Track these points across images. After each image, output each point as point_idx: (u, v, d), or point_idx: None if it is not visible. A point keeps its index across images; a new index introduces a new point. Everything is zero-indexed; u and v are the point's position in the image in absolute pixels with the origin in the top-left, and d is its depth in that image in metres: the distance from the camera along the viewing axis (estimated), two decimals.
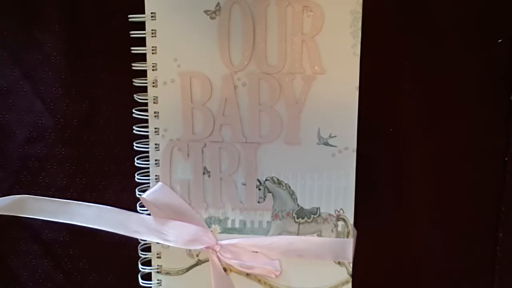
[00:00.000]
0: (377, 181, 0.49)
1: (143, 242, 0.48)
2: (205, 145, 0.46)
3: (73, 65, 0.49)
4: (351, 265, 0.46)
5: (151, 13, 0.44)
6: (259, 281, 0.48)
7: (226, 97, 0.45)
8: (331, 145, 0.45)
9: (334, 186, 0.45)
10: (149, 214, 0.47)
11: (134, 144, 0.47)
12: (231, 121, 0.45)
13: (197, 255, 0.48)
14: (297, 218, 0.46)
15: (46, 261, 0.53)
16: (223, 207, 0.47)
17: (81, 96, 0.50)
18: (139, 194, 0.47)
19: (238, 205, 0.47)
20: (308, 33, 0.43)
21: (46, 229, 0.52)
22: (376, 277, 0.51)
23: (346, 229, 0.46)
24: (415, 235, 0.50)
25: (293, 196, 0.46)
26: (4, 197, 0.49)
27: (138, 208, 0.48)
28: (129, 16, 0.45)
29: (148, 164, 0.47)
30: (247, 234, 0.47)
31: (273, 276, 0.46)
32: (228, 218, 0.47)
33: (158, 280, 0.49)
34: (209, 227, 0.47)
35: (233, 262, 0.46)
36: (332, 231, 0.46)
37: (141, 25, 0.45)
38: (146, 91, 0.46)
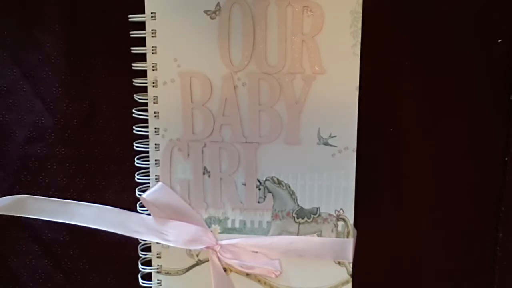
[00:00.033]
0: (377, 181, 0.49)
1: (143, 242, 0.48)
2: (205, 145, 0.46)
3: (73, 65, 0.49)
4: (351, 265, 0.46)
5: (151, 13, 0.44)
6: (259, 281, 0.48)
7: (226, 97, 0.45)
8: (331, 145, 0.45)
9: (334, 186, 0.45)
10: (149, 214, 0.47)
11: (134, 144, 0.47)
12: (231, 121, 0.45)
13: (197, 255, 0.48)
14: (297, 218, 0.46)
15: (46, 261, 0.53)
16: (223, 207, 0.47)
17: (81, 96, 0.50)
18: (139, 194, 0.47)
19: (238, 205, 0.47)
20: (308, 33, 0.43)
21: (46, 229, 0.52)
22: (376, 277, 0.51)
23: (346, 229, 0.46)
24: (415, 235, 0.50)
25: (293, 196, 0.46)
26: (4, 197, 0.49)
27: (138, 208, 0.48)
28: (129, 16, 0.45)
29: (148, 164, 0.47)
30: (247, 234, 0.47)
31: (273, 276, 0.46)
32: (228, 218, 0.47)
33: (158, 280, 0.49)
34: (209, 227, 0.47)
35: (233, 262, 0.46)
36: (332, 231, 0.46)
37: (141, 25, 0.45)
38: (146, 91, 0.46)
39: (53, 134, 0.50)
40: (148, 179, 0.47)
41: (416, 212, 0.50)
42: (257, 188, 0.46)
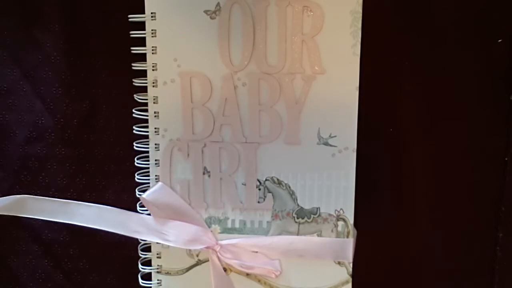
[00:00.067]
0: (377, 181, 0.49)
1: (143, 242, 0.48)
2: (205, 145, 0.46)
3: (73, 65, 0.49)
4: (351, 265, 0.46)
5: (151, 13, 0.44)
6: (259, 281, 0.48)
7: (226, 97, 0.45)
8: (331, 145, 0.45)
9: (334, 186, 0.45)
10: (149, 214, 0.47)
11: (134, 144, 0.47)
12: (231, 121, 0.45)
13: (197, 255, 0.48)
14: (297, 218, 0.46)
15: (46, 261, 0.53)
16: (223, 207, 0.47)
17: (81, 96, 0.50)
18: (139, 194, 0.47)
19: (238, 205, 0.47)
20: (308, 33, 0.43)
21: (46, 229, 0.52)
22: (376, 277, 0.51)
23: (346, 229, 0.46)
24: (415, 235, 0.50)
25: (293, 196, 0.46)
26: (4, 197, 0.49)
27: (138, 208, 0.48)
28: (129, 16, 0.45)
29: (148, 164, 0.47)
30: (247, 234, 0.47)
31: (273, 276, 0.46)
32: (228, 218, 0.47)
33: (158, 280, 0.49)
34: (209, 227, 0.47)
35: (233, 262, 0.46)
36: (332, 231, 0.46)
37: (141, 25, 0.45)
38: (146, 91, 0.46)
39: (53, 134, 0.50)
40: (148, 179, 0.47)
41: (416, 212, 0.50)
42: (257, 188, 0.46)
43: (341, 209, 0.45)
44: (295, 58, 0.44)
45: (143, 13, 0.45)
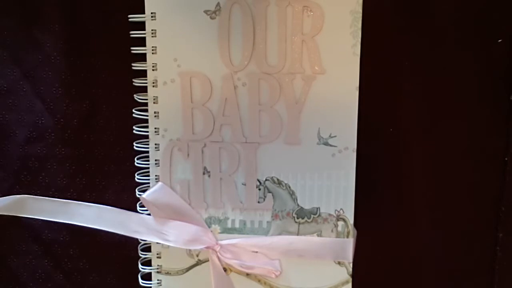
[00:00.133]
0: (377, 181, 0.49)
1: (143, 242, 0.48)
2: (205, 145, 0.46)
3: (73, 65, 0.49)
4: (351, 265, 0.46)
5: (151, 13, 0.44)
6: (259, 281, 0.48)
7: (226, 97, 0.45)
8: (331, 145, 0.45)
9: (334, 186, 0.45)
10: (149, 214, 0.47)
11: (134, 144, 0.47)
12: (231, 121, 0.45)
13: (197, 255, 0.48)
14: (297, 218, 0.46)
15: (46, 261, 0.53)
16: (223, 207, 0.47)
17: (81, 96, 0.50)
18: (139, 194, 0.47)
19: (238, 205, 0.47)
20: (308, 33, 0.43)
21: (46, 229, 0.52)
22: (376, 277, 0.51)
23: (346, 229, 0.46)
24: (415, 235, 0.50)
25: (293, 196, 0.46)
26: (4, 197, 0.49)
27: (138, 208, 0.48)
28: (129, 16, 0.45)
29: (148, 164, 0.47)
30: (247, 234, 0.47)
31: (273, 276, 0.46)
32: (228, 218, 0.47)
33: (158, 280, 0.49)
34: (209, 227, 0.47)
35: (233, 262, 0.46)
36: (332, 231, 0.46)
37: (141, 25, 0.45)
38: (146, 91, 0.46)
39: (53, 134, 0.50)
40: (148, 179, 0.47)
41: (416, 212, 0.50)
42: (257, 188, 0.46)
43: (341, 209, 0.45)
44: (295, 58, 0.44)
45: (143, 13, 0.45)
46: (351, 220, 0.46)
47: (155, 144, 0.47)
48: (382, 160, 0.48)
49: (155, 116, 0.46)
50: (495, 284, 0.50)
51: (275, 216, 0.47)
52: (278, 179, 0.46)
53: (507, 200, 0.48)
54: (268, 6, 0.43)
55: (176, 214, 0.47)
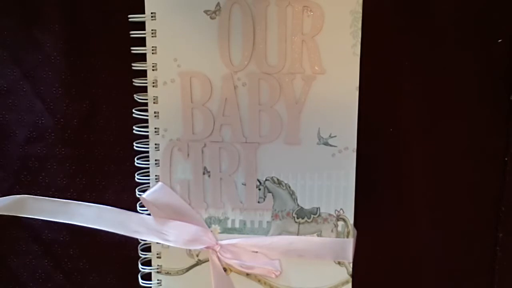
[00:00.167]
0: (377, 181, 0.49)
1: (143, 242, 0.48)
2: (205, 145, 0.46)
3: (73, 65, 0.49)
4: (351, 265, 0.46)
5: (151, 13, 0.44)
6: (259, 281, 0.48)
7: (226, 97, 0.45)
8: (331, 145, 0.45)
9: (334, 186, 0.45)
10: (149, 214, 0.47)
11: (134, 144, 0.47)
12: (231, 121, 0.45)
13: (197, 255, 0.48)
14: (297, 218, 0.46)
15: (46, 261, 0.53)
16: (223, 207, 0.47)
17: (81, 96, 0.50)
18: (139, 194, 0.47)
19: (238, 205, 0.47)
20: (308, 33, 0.43)
21: (46, 229, 0.52)
22: (376, 277, 0.51)
23: (346, 229, 0.46)
24: (415, 235, 0.50)
25: (293, 196, 0.46)
26: (4, 197, 0.49)
27: (138, 208, 0.48)
28: (129, 16, 0.45)
29: (148, 164, 0.47)
30: (247, 234, 0.47)
31: (273, 276, 0.46)
32: (228, 218, 0.47)
33: (158, 280, 0.49)
34: (209, 227, 0.47)
35: (233, 262, 0.46)
36: (332, 231, 0.46)
37: (141, 25, 0.45)
38: (146, 91, 0.46)
39: (53, 134, 0.50)
40: (148, 179, 0.47)
41: (416, 212, 0.50)
42: (257, 188, 0.46)
43: (341, 209, 0.45)
44: (295, 58, 0.44)
45: (143, 13, 0.45)
46: (351, 220, 0.46)
47: (155, 144, 0.47)
48: (382, 160, 0.48)
49: (155, 116, 0.46)
50: (495, 284, 0.50)
51: (275, 216, 0.47)
52: (278, 179, 0.46)
53: (507, 200, 0.48)
54: (268, 6, 0.43)
55: (176, 214, 0.47)
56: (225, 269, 0.47)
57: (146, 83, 0.46)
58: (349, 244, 0.46)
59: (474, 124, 0.48)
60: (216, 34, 0.44)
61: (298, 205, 0.46)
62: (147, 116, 0.46)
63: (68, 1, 0.48)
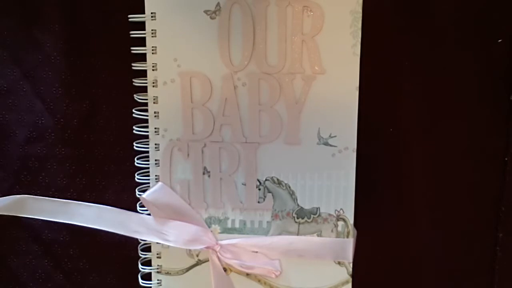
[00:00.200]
0: (377, 181, 0.49)
1: (143, 242, 0.48)
2: (205, 145, 0.46)
3: (73, 65, 0.49)
4: (351, 265, 0.46)
5: (151, 13, 0.44)
6: (259, 281, 0.48)
7: (226, 97, 0.45)
8: (331, 145, 0.45)
9: (334, 186, 0.45)
10: (149, 214, 0.47)
11: (134, 144, 0.47)
12: (231, 121, 0.45)
13: (197, 255, 0.48)
14: (297, 218, 0.46)
15: (46, 261, 0.53)
16: (223, 207, 0.47)
17: (81, 96, 0.50)
18: (139, 194, 0.47)
19: (238, 205, 0.47)
20: (308, 33, 0.43)
21: (46, 229, 0.52)
22: (376, 277, 0.51)
23: (346, 229, 0.46)
24: (415, 235, 0.50)
25: (293, 196, 0.46)
26: (4, 197, 0.49)
27: (138, 208, 0.48)
28: (129, 16, 0.45)
29: (148, 164, 0.47)
30: (247, 234, 0.47)
31: (273, 276, 0.46)
32: (228, 218, 0.47)
33: (158, 280, 0.49)
34: (209, 227, 0.47)
35: (233, 262, 0.46)
36: (332, 231, 0.46)
37: (141, 25, 0.45)
38: (146, 91, 0.46)
39: (53, 134, 0.50)
40: (148, 179, 0.47)
41: (416, 212, 0.50)
42: (257, 188, 0.46)
43: (341, 209, 0.45)
44: (295, 58, 0.44)
45: (143, 13, 0.45)
46: (351, 220, 0.46)
47: (155, 144, 0.47)
48: (382, 160, 0.48)
49: (155, 116, 0.46)
50: (495, 284, 0.50)
51: (275, 216, 0.47)
52: (278, 179, 0.46)
53: (507, 200, 0.48)
54: (268, 6, 0.43)
55: (176, 214, 0.47)
56: (225, 269, 0.47)
57: (146, 83, 0.46)
58: (349, 244, 0.46)
59: (474, 124, 0.48)
60: (216, 34, 0.44)
61: (298, 205, 0.46)
62: (147, 116, 0.46)
63: (68, 1, 0.48)
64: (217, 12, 0.44)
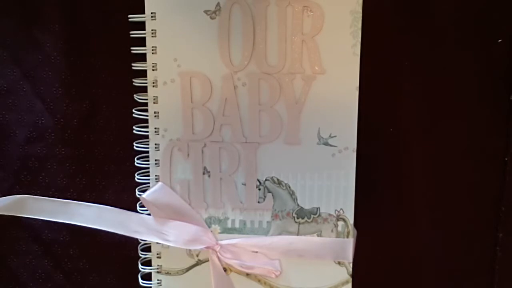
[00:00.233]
0: (377, 181, 0.49)
1: (143, 242, 0.48)
2: (205, 145, 0.46)
3: (73, 65, 0.49)
4: (351, 265, 0.46)
5: (151, 13, 0.44)
6: (259, 281, 0.48)
7: (226, 97, 0.45)
8: (331, 145, 0.45)
9: (334, 186, 0.45)
10: (149, 214, 0.47)
11: (134, 144, 0.47)
12: (231, 121, 0.45)
13: (197, 255, 0.48)
14: (297, 218, 0.46)
15: (46, 261, 0.53)
16: (223, 207, 0.47)
17: (81, 96, 0.50)
18: (139, 194, 0.47)
19: (238, 205, 0.47)
20: (308, 33, 0.43)
21: (46, 229, 0.52)
22: (376, 277, 0.51)
23: (346, 229, 0.46)
24: (415, 235, 0.50)
25: (293, 196, 0.46)
26: (4, 197, 0.49)
27: (138, 208, 0.48)
28: (129, 16, 0.45)
29: (148, 164, 0.47)
30: (247, 234, 0.47)
31: (273, 276, 0.46)
32: (228, 218, 0.47)
33: (158, 280, 0.49)
34: (209, 227, 0.47)
35: (233, 262, 0.46)
36: (332, 231, 0.46)
37: (141, 25, 0.45)
38: (146, 91, 0.46)
39: (53, 134, 0.50)
40: (148, 179, 0.47)
41: (416, 212, 0.50)
42: (257, 188, 0.46)
43: (341, 209, 0.45)
44: (295, 58, 0.44)
45: (143, 13, 0.45)
46: (351, 220, 0.46)
47: (155, 144, 0.47)
48: (382, 160, 0.48)
49: (155, 116, 0.46)
50: (495, 284, 0.50)
51: (275, 216, 0.47)
52: (278, 179, 0.46)
53: (507, 200, 0.48)
54: (268, 6, 0.43)
55: (176, 214, 0.47)
56: (225, 269, 0.47)
57: (146, 83, 0.46)
58: (349, 244, 0.46)
59: (474, 124, 0.48)
60: (216, 34, 0.44)
61: (298, 205, 0.46)
62: (147, 116, 0.46)
63: (68, 1, 0.48)
64: (217, 12, 0.44)
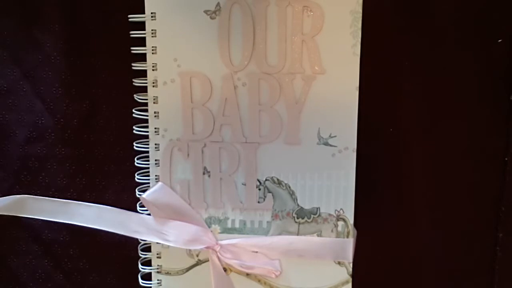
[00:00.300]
0: (377, 181, 0.49)
1: (143, 242, 0.48)
2: (205, 145, 0.46)
3: (73, 65, 0.49)
4: (351, 265, 0.46)
5: (151, 13, 0.44)
6: (259, 281, 0.48)
7: (226, 97, 0.45)
8: (331, 145, 0.45)
9: (334, 186, 0.45)
10: (149, 214, 0.47)
11: (134, 144, 0.47)
12: (231, 121, 0.45)
13: (197, 255, 0.48)
14: (297, 218, 0.46)
15: (46, 261, 0.53)
16: (223, 207, 0.47)
17: (81, 96, 0.50)
18: (139, 194, 0.47)
19: (238, 205, 0.47)
20: (308, 33, 0.43)
21: (46, 229, 0.52)
22: (376, 277, 0.51)
23: (346, 229, 0.46)
24: (415, 235, 0.50)
25: (293, 196, 0.46)
26: (4, 197, 0.49)
27: (138, 208, 0.48)
28: (129, 16, 0.45)
29: (148, 164, 0.47)
30: (247, 234, 0.47)
31: (273, 276, 0.46)
32: (228, 218, 0.47)
33: (158, 280, 0.49)
34: (209, 227, 0.47)
35: (233, 262, 0.46)
36: (332, 231, 0.46)
37: (141, 25, 0.45)
38: (146, 91, 0.46)
39: (53, 134, 0.50)
40: (148, 179, 0.47)
41: (416, 212, 0.50)
42: (257, 188, 0.46)
43: (341, 209, 0.45)
44: (295, 58, 0.44)
45: (143, 13, 0.45)
46: (351, 220, 0.46)
47: (155, 144, 0.47)
48: (382, 160, 0.48)
49: (155, 116, 0.46)
50: (495, 284, 0.50)
51: (275, 216, 0.47)
52: (278, 179, 0.46)
53: (507, 200, 0.48)
54: (268, 6, 0.43)
55: (176, 214, 0.47)
56: (225, 269, 0.47)
57: (146, 83, 0.46)
58: (349, 244, 0.46)
59: (474, 124, 0.48)
60: (216, 34, 0.44)
61: (298, 205, 0.46)
62: (147, 116, 0.46)
63: (68, 1, 0.48)
64: (217, 12, 0.44)
